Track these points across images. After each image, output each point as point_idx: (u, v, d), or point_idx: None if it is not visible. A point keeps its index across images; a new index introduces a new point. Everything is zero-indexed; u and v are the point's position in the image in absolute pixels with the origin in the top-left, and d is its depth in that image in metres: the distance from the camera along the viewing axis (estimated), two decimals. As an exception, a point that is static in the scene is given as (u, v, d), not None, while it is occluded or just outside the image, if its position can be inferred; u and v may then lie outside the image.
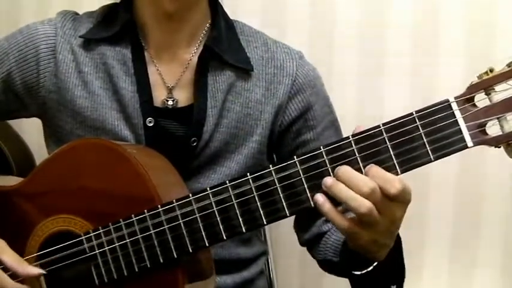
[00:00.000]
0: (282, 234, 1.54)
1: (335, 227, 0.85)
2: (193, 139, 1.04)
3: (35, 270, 0.94)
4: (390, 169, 0.82)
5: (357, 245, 0.88)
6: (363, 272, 0.93)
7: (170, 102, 1.07)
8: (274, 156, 1.16)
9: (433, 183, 1.46)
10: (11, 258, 0.94)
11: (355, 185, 0.81)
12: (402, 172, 0.82)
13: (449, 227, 1.47)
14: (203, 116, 1.05)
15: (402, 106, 1.43)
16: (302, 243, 1.18)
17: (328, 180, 0.83)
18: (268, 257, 1.35)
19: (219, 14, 1.11)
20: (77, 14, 1.13)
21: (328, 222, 1.11)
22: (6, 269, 0.93)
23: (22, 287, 0.93)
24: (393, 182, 0.80)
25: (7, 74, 1.08)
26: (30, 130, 1.58)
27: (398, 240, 0.93)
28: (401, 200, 0.82)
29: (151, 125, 1.04)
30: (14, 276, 0.93)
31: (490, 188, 1.42)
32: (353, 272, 0.94)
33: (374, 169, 0.81)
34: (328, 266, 1.11)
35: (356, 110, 1.46)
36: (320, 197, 0.83)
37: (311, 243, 1.15)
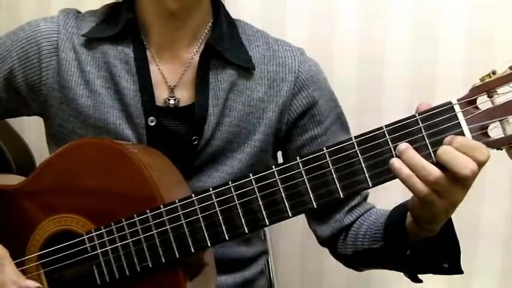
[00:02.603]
0: (282, 234, 1.54)
1: (413, 193, 0.82)
2: (194, 137, 1.04)
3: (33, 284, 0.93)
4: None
5: (426, 213, 0.85)
6: (415, 247, 0.91)
7: (172, 101, 1.06)
8: (280, 153, 1.15)
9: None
10: (11, 272, 0.93)
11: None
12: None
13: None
14: (204, 115, 1.05)
15: (402, 106, 1.43)
16: (323, 242, 1.15)
17: (402, 145, 0.81)
18: (268, 257, 1.35)
19: (221, 13, 1.11)
20: (79, 12, 1.13)
21: (350, 214, 1.10)
22: None
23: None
24: (482, 149, 0.78)
25: (9, 71, 1.08)
26: (31, 130, 1.58)
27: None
28: (481, 168, 0.80)
29: (153, 124, 1.04)
30: None
31: (489, 188, 1.42)
32: (402, 251, 0.93)
33: (459, 139, 0.79)
34: (362, 257, 1.06)
35: (356, 110, 1.46)
36: (396, 162, 0.81)
37: (334, 240, 1.12)
